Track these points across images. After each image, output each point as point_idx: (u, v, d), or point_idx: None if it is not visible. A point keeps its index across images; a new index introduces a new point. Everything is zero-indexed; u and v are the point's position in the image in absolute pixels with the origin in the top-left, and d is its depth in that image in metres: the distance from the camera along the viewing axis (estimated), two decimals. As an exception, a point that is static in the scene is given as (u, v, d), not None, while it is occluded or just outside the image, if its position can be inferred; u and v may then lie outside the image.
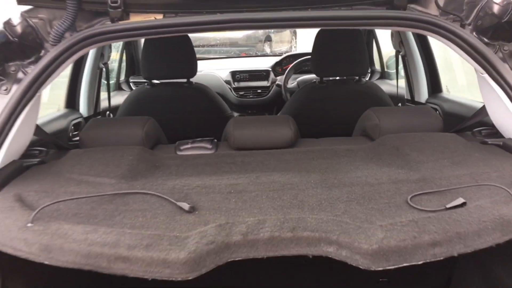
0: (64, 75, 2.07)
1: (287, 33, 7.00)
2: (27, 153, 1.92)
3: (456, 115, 2.91)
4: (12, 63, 1.76)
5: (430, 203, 1.47)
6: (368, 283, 2.42)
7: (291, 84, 4.56)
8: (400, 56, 3.59)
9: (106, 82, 3.63)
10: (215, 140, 2.14)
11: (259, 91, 4.91)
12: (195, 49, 3.20)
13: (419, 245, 1.29)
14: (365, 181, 1.64)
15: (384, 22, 1.87)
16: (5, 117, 1.67)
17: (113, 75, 4.49)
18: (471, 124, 2.21)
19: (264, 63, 5.22)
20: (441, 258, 1.31)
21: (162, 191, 1.59)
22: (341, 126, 2.50)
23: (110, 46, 3.62)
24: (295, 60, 4.61)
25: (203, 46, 6.24)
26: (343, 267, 2.32)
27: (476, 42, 1.77)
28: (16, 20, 1.75)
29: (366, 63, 3.18)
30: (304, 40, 6.48)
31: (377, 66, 4.95)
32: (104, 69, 3.51)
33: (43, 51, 1.79)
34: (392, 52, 3.81)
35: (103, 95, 3.65)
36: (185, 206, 1.47)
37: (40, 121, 2.20)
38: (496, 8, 1.78)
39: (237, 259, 1.32)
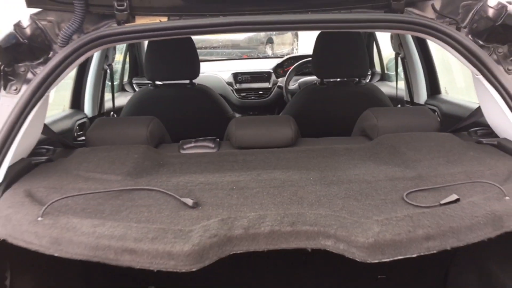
0: (68, 76, 2.11)
1: (288, 35, 7.04)
2: (35, 151, 1.98)
3: (454, 116, 2.97)
4: (22, 64, 1.81)
5: (425, 200, 1.52)
6: (367, 280, 2.47)
7: (292, 85, 4.62)
8: (399, 58, 3.65)
9: (110, 83, 3.69)
10: (218, 140, 2.19)
11: (261, 92, 4.97)
12: (198, 51, 3.26)
13: (413, 238, 1.34)
14: (363, 179, 1.69)
15: (382, 25, 1.93)
16: (15, 116, 1.72)
17: (117, 76, 4.55)
18: (467, 124, 2.27)
19: (266, 65, 5.28)
20: (435, 251, 1.36)
21: (166, 187, 1.64)
22: (341, 127, 2.56)
23: (114, 48, 3.68)
24: (296, 62, 4.67)
25: (205, 48, 6.30)
26: (343, 264, 2.38)
27: (471, 44, 1.82)
28: (26, 22, 1.81)
29: (366, 65, 3.23)
30: (306, 42, 6.53)
31: (378, 68, 5.01)
32: (108, 70, 3.57)
33: (51, 53, 1.84)
34: (393, 54, 3.87)
35: (107, 96, 3.71)
36: (189, 201, 1.52)
37: (46, 121, 2.26)
38: (490, 12, 1.83)
39: (238, 252, 1.38)
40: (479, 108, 2.12)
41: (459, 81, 3.96)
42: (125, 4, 1.82)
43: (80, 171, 1.80)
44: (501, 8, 1.82)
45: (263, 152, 2.02)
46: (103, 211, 1.51)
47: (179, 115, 3.15)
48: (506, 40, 1.86)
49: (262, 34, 6.72)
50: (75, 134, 3.07)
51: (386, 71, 4.86)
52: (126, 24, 1.84)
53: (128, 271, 2.33)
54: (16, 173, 1.74)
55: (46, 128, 2.09)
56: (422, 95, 3.47)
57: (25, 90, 1.77)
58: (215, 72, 5.07)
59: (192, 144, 2.11)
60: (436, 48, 3.38)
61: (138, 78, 4.91)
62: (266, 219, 1.41)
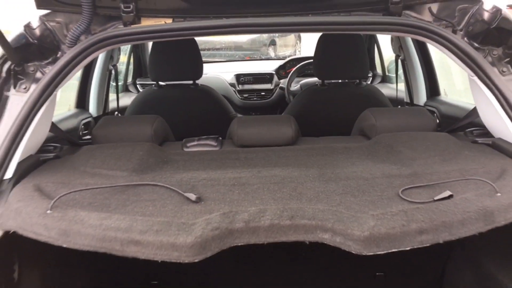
0: (74, 77, 2.15)
1: (291, 37, 7.08)
2: (43, 149, 2.04)
3: (452, 117, 3.02)
4: (31, 64, 1.87)
5: (420, 196, 1.57)
6: (365, 277, 2.52)
7: (294, 87, 4.67)
8: (400, 60, 3.70)
9: (114, 83, 3.75)
10: (220, 138, 2.25)
11: (263, 93, 5.01)
12: (201, 52, 3.32)
13: (407, 232, 1.39)
14: (360, 176, 1.74)
15: (381, 27, 1.98)
16: (24, 114, 1.77)
17: (121, 77, 4.60)
18: (463, 125, 2.32)
19: (268, 67, 5.33)
20: (428, 245, 1.41)
21: (170, 183, 1.70)
22: (341, 127, 2.61)
23: (119, 49, 3.74)
24: (298, 64, 4.72)
25: (208, 49, 6.35)
26: (342, 261, 2.43)
27: (467, 47, 1.87)
28: (35, 23, 1.87)
29: (366, 67, 3.28)
30: (309, 44, 6.57)
31: (379, 70, 5.06)
32: (113, 71, 3.63)
33: (60, 53, 1.90)
34: (394, 56, 3.92)
35: (111, 96, 3.77)
36: (192, 196, 1.58)
37: (53, 119, 2.32)
38: (486, 15, 1.89)
39: (239, 244, 1.43)
40: (475, 109, 2.17)
41: (458, 83, 4.01)
42: (131, 6, 1.87)
43: (87, 167, 1.85)
44: (496, 11, 1.88)
45: (264, 150, 2.08)
46: (109, 205, 1.56)
47: (182, 115, 3.21)
48: (500, 43, 1.91)
49: (265, 36, 6.77)
50: (80, 133, 3.13)
51: (387, 73, 4.90)
52: (132, 26, 1.90)
53: (131, 267, 2.40)
54: (25, 169, 1.80)
55: (53, 126, 2.14)
56: (421, 96, 3.51)
57: (34, 89, 1.82)
58: (218, 73, 5.12)
59: (195, 142, 2.17)
60: (435, 51, 3.42)
61: (142, 79, 4.97)
62: (266, 213, 1.46)
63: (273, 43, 6.92)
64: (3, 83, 1.83)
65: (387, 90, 4.18)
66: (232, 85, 5.04)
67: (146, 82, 4.76)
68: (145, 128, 2.21)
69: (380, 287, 2.54)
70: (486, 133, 2.11)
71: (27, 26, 1.86)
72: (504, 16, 1.87)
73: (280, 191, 1.64)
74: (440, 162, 1.83)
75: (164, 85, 3.44)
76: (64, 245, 1.44)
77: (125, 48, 4.59)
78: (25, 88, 1.84)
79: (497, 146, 1.95)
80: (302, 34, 6.59)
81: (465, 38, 1.94)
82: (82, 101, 3.38)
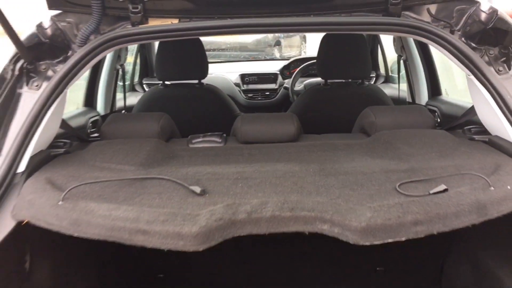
0: (81, 77, 2.21)
1: (296, 38, 7.11)
2: (54, 144, 2.10)
3: (453, 116, 3.06)
4: (43, 62, 1.93)
5: (416, 190, 1.62)
6: (366, 272, 2.57)
7: (298, 86, 4.73)
8: (402, 61, 3.75)
9: (121, 83, 3.82)
10: (224, 135, 2.31)
11: (267, 93, 5.06)
12: (207, 52, 3.38)
13: (402, 223, 1.45)
14: (359, 171, 1.80)
15: (380, 28, 2.04)
16: (36, 110, 1.83)
17: (128, 77, 4.67)
18: (462, 123, 2.37)
19: (273, 67, 5.38)
20: (422, 236, 1.47)
21: (176, 177, 1.76)
22: (343, 125, 2.67)
23: (126, 49, 3.80)
24: (303, 64, 4.78)
25: (213, 50, 6.41)
26: (343, 256, 2.49)
27: (464, 46, 1.93)
28: (47, 23, 1.94)
29: (368, 67, 3.33)
30: (314, 45, 6.61)
31: (382, 70, 5.11)
32: (120, 70, 3.70)
33: (70, 52, 1.96)
34: (396, 57, 3.96)
35: (118, 95, 3.84)
36: (197, 189, 1.64)
37: (62, 117, 2.38)
38: (483, 16, 1.94)
39: (242, 234, 1.49)
40: (472, 107, 2.22)
41: (459, 83, 4.05)
42: (139, 7, 1.93)
43: (96, 161, 1.92)
44: (492, 12, 1.93)
45: (266, 147, 2.14)
46: (117, 197, 1.63)
47: (188, 113, 3.27)
48: (497, 43, 1.96)
49: (270, 36, 6.82)
50: (88, 131, 3.20)
51: (390, 74, 4.95)
52: (140, 26, 1.96)
53: (138, 261, 2.46)
54: (37, 163, 1.87)
55: (63, 123, 2.21)
56: (423, 96, 3.56)
57: (45, 86, 1.88)
58: (223, 73, 5.18)
59: (201, 139, 2.23)
60: (437, 51, 3.47)
61: (148, 78, 5.04)
62: (268, 205, 1.52)
63: (278, 43, 6.97)
64: (16, 80, 1.89)
65: (390, 90, 4.23)
66: (237, 85, 5.09)
67: (152, 81, 4.83)
68: (152, 125, 2.28)
69: (380, 282, 2.59)
70: (483, 130, 2.16)
71: (39, 26, 1.93)
72: (500, 16, 1.92)
73: (281, 185, 1.69)
74: (437, 158, 1.89)
75: (170, 84, 3.51)
76: (75, 234, 1.50)
77: (132, 49, 4.66)
78: (37, 86, 1.90)
79: (493, 143, 1.99)
80: (308, 35, 6.64)
81: (463, 38, 1.99)
82: (90, 100, 3.44)
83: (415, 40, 3.51)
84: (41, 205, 1.57)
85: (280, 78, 5.14)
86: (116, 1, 1.93)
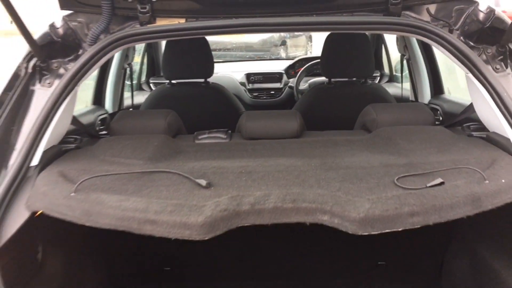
0: (89, 77, 2.26)
1: (302, 38, 7.13)
2: (65, 140, 2.17)
3: (454, 114, 3.10)
4: (55, 60, 2.01)
5: (414, 183, 1.68)
6: (367, 266, 2.63)
7: (303, 86, 4.78)
8: (405, 60, 3.79)
9: (128, 82, 3.89)
10: (229, 131, 2.38)
11: (272, 92, 5.11)
12: (213, 52, 3.44)
13: (399, 214, 1.51)
14: (359, 165, 1.86)
15: (381, 27, 2.10)
16: (48, 107, 1.89)
17: (135, 76, 4.74)
18: (461, 120, 2.42)
19: (278, 66, 5.43)
20: (419, 226, 1.52)
21: (183, 170, 1.83)
22: (346, 123, 2.72)
23: (134, 48, 3.87)
24: (307, 64, 4.83)
25: (219, 50, 6.47)
26: (345, 251, 2.55)
27: (462, 45, 1.97)
28: (59, 23, 2.01)
29: (371, 66, 3.38)
30: (320, 44, 6.64)
31: (387, 70, 5.15)
32: (128, 69, 3.77)
33: (81, 50, 2.03)
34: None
35: (126, 94, 3.91)
36: (203, 182, 1.70)
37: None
38: (481, 15, 2.00)
39: (245, 224, 1.56)
40: (471, 105, 2.27)
41: (462, 82, 4.09)
42: (147, 7, 2.00)
43: (106, 156, 1.99)
44: (490, 12, 1.99)
45: (270, 142, 2.20)
46: (127, 190, 1.70)
47: (194, 111, 3.34)
48: (494, 42, 2.01)
49: (276, 36, 6.86)
50: (97, 128, 3.27)
51: (394, 73, 5.00)
52: (148, 25, 2.02)
53: (145, 254, 2.53)
54: (50, 158, 1.93)
55: (74, 119, 2.27)
56: (426, 95, 3.59)
57: (57, 84, 1.94)
58: (229, 72, 5.24)
59: (206, 135, 2.30)
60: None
61: (155, 77, 5.10)
62: (270, 197, 1.58)
63: (283, 43, 7.02)
64: (29, 78, 1.96)
65: (393, 89, 4.28)
66: (242, 84, 5.14)
67: (159, 81, 4.89)
68: (159, 121, 2.35)
69: (382, 276, 2.65)
70: (482, 127, 2.20)
71: (52, 26, 2.00)
72: (497, 16, 1.98)
73: (284, 178, 1.75)
74: (435, 153, 1.94)
75: (176, 83, 3.57)
76: (87, 224, 1.57)
77: (139, 48, 4.73)
78: (49, 83, 1.97)
79: (491, 139, 2.04)
80: (313, 35, 6.69)
81: (461, 37, 2.04)
82: (98, 98, 3.51)
83: (418, 40, 3.55)
84: (54, 196, 1.64)
85: (285, 78, 5.18)
86: (125, 1, 2.00)
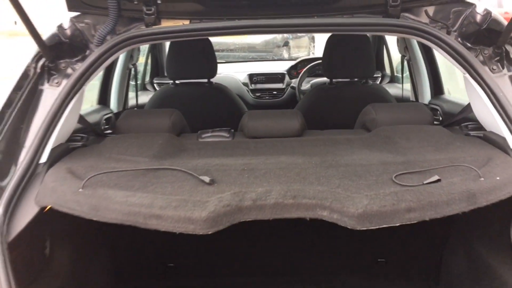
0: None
1: (305, 38, 7.16)
2: (72, 138, 2.22)
3: (454, 114, 3.15)
4: (63, 61, 2.06)
5: (411, 181, 1.72)
6: (367, 263, 2.68)
7: (305, 86, 4.83)
8: (405, 61, 3.84)
9: (133, 82, 3.94)
10: (232, 130, 2.43)
11: (275, 92, 5.16)
12: (216, 53, 3.49)
13: (396, 210, 1.56)
14: (358, 163, 1.91)
15: (380, 28, 2.15)
16: (56, 106, 1.94)
17: (139, 76, 4.80)
18: (459, 119, 2.47)
19: (280, 67, 5.47)
20: (415, 222, 1.57)
21: (187, 168, 1.87)
22: (347, 123, 2.77)
23: (138, 49, 3.93)
24: (309, 64, 4.88)
25: (222, 50, 6.52)
26: (345, 248, 2.59)
27: (459, 47, 2.02)
28: (67, 25, 2.06)
29: (372, 66, 3.43)
30: (323, 45, 6.67)
31: (388, 71, 5.19)
32: (132, 70, 3.83)
33: (88, 51, 2.09)
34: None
35: (130, 94, 3.96)
36: (206, 179, 1.75)
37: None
38: (478, 17, 2.05)
39: (247, 219, 1.61)
40: (469, 105, 2.32)
41: (462, 83, 4.12)
42: (152, 9, 2.05)
43: (112, 154, 2.04)
44: (486, 14, 2.03)
45: (272, 141, 2.25)
46: (133, 186, 1.75)
47: (197, 111, 3.39)
48: (491, 43, 2.05)
49: (279, 37, 6.91)
50: (102, 127, 3.32)
51: (395, 74, 5.04)
52: (153, 27, 2.07)
53: (149, 251, 2.58)
54: (57, 155, 1.98)
55: (81, 118, 2.33)
56: (426, 95, 3.62)
57: (65, 83, 1.99)
58: (232, 73, 5.29)
59: (209, 134, 2.35)
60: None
61: (159, 78, 5.16)
62: (272, 193, 1.63)
63: (286, 44, 7.06)
64: (38, 77, 2.01)
65: (395, 89, 4.33)
66: (245, 84, 5.18)
67: (162, 81, 4.95)
68: (163, 120, 2.40)
69: (382, 272, 2.69)
70: (479, 127, 2.24)
71: (60, 27, 2.05)
72: (494, 18, 2.02)
73: (285, 175, 1.80)
74: (433, 151, 1.99)
75: (180, 83, 3.62)
76: (95, 219, 1.62)
77: (143, 49, 4.78)
78: (57, 83, 2.02)
79: (488, 139, 2.08)
80: (316, 36, 6.73)
81: (459, 39, 2.08)
82: (103, 98, 3.56)
83: (418, 41, 3.59)
84: (63, 192, 1.69)
85: (287, 78, 5.23)
86: (131, 3, 2.05)
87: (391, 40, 4.78)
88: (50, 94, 2.00)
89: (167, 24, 2.11)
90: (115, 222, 1.60)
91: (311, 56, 6.26)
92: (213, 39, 3.66)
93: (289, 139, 2.29)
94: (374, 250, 2.64)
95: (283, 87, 5.17)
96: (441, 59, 3.59)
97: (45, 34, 2.03)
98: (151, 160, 1.98)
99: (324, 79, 4.41)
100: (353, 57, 3.29)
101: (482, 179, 1.68)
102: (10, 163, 1.84)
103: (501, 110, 1.94)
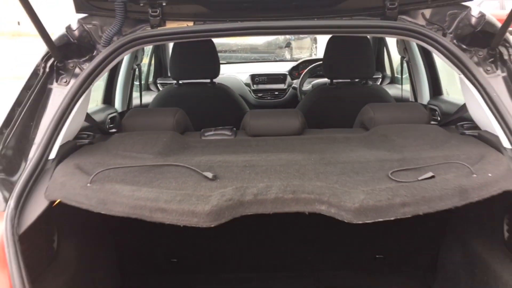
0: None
1: (307, 40, 7.22)
2: (79, 136, 2.28)
3: (451, 114, 3.22)
4: (71, 61, 2.12)
5: (406, 177, 1.79)
6: (366, 259, 2.74)
7: (306, 87, 4.90)
8: (405, 62, 3.90)
9: (137, 82, 4.01)
10: (234, 129, 2.50)
11: (276, 93, 5.22)
12: (219, 54, 3.56)
13: (391, 205, 1.62)
14: (356, 160, 1.97)
15: (378, 30, 2.21)
16: (65, 104, 2.01)
17: (143, 76, 4.86)
18: (455, 119, 2.53)
19: (282, 68, 5.54)
20: (409, 216, 1.64)
21: (190, 164, 1.94)
22: (346, 122, 2.83)
23: (143, 49, 3.99)
24: (311, 65, 4.95)
25: (225, 51, 6.58)
26: (344, 244, 2.66)
27: (454, 48, 2.08)
28: (75, 26, 2.13)
29: (372, 67, 3.49)
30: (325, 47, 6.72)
31: (388, 72, 5.25)
32: (137, 70, 3.90)
33: (95, 51, 2.15)
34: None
35: (134, 94, 4.03)
36: (209, 175, 1.82)
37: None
38: (473, 20, 2.11)
39: (249, 213, 1.67)
40: (465, 104, 2.38)
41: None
42: (158, 11, 2.11)
43: (118, 151, 2.11)
44: (481, 17, 2.10)
45: (273, 139, 2.31)
46: (138, 181, 1.81)
47: (200, 111, 3.45)
48: (485, 45, 2.11)
49: (281, 39, 6.97)
50: (107, 126, 3.39)
51: (396, 75, 5.10)
52: (159, 28, 2.14)
53: (153, 246, 2.65)
54: (65, 152, 2.05)
55: (87, 117, 2.39)
56: (425, 96, 3.67)
57: (73, 83, 2.06)
58: (234, 73, 5.35)
59: (212, 132, 2.42)
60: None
61: (162, 78, 5.23)
62: (272, 188, 1.70)
63: (288, 45, 7.12)
64: (47, 77, 2.08)
65: (395, 90, 4.39)
66: (247, 85, 5.24)
67: (166, 81, 5.02)
68: (168, 118, 2.47)
69: (380, 268, 2.76)
70: (474, 126, 2.29)
71: (68, 28, 2.12)
72: (488, 20, 2.09)
73: (285, 171, 1.87)
74: (428, 149, 2.05)
75: (183, 83, 3.69)
76: (103, 212, 1.69)
77: (147, 50, 4.85)
78: (65, 82, 2.09)
79: (482, 137, 2.14)
80: (319, 37, 6.79)
81: (454, 41, 2.14)
82: (108, 97, 3.62)
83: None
84: (71, 186, 1.76)
85: (289, 79, 5.29)
86: (137, 5, 2.11)
87: (392, 42, 4.84)
88: (59, 93, 2.06)
89: (171, 25, 2.17)
90: (122, 215, 1.67)
91: (313, 57, 6.32)
92: (216, 40, 3.73)
93: (290, 137, 2.36)
94: (372, 247, 2.70)
95: (285, 87, 5.23)
96: (441, 61, 3.66)
97: (54, 35, 2.10)
98: (156, 157, 2.05)
99: (325, 79, 4.49)
100: (353, 58, 3.35)
101: (475, 175, 1.74)
102: (20, 159, 1.90)
103: (495, 109, 1.99)
